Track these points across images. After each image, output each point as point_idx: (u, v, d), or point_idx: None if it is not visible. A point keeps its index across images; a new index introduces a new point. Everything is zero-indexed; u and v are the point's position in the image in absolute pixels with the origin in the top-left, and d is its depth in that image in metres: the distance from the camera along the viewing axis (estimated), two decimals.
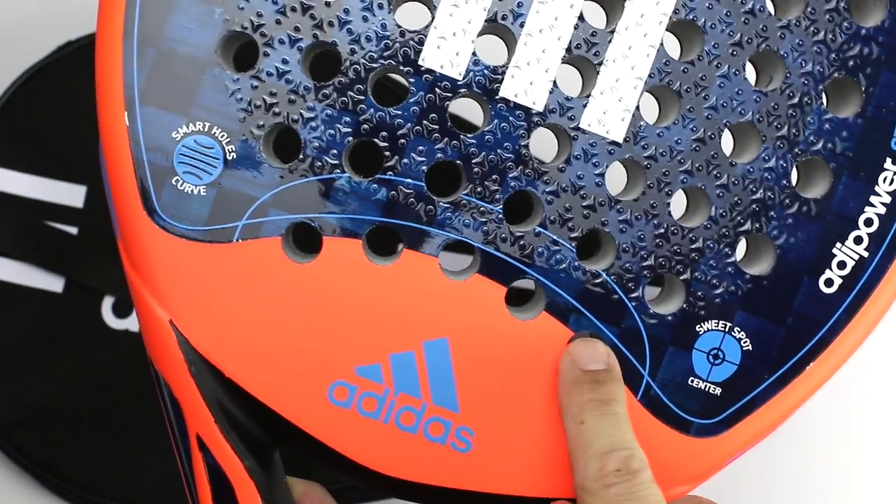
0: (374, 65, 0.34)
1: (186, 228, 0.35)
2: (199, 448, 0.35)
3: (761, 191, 0.35)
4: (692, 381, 0.36)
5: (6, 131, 0.56)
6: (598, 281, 0.36)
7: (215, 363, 0.35)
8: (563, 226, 0.35)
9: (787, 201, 0.36)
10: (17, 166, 0.56)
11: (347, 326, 0.35)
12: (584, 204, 0.35)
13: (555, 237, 0.35)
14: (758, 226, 0.36)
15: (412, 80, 0.35)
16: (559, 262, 0.36)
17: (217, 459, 0.35)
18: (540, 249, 0.36)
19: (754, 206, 0.35)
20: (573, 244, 0.36)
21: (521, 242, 0.36)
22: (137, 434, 0.55)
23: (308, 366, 0.35)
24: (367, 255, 0.35)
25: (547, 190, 0.35)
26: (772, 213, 0.35)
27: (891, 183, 0.35)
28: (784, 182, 0.35)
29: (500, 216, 0.35)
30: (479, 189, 0.35)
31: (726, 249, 0.36)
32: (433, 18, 0.35)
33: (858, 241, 0.35)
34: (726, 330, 0.36)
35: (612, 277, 0.36)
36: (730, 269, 0.36)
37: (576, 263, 0.36)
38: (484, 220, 0.35)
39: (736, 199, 0.35)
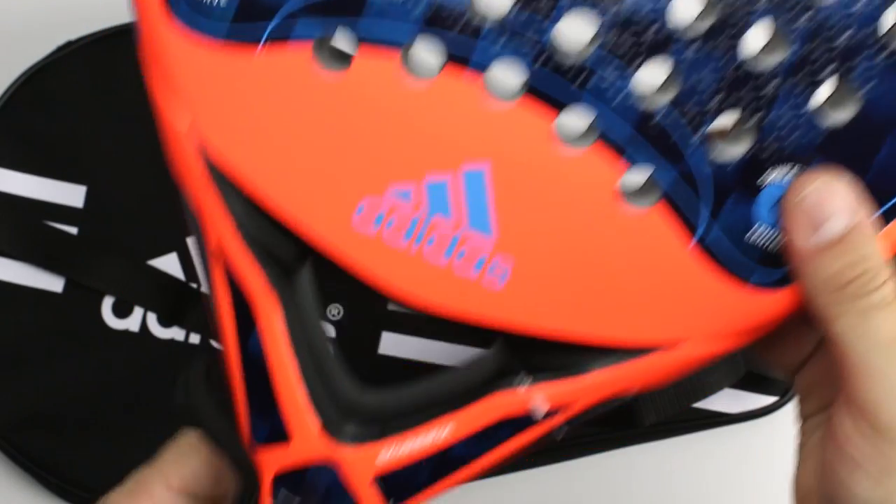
0: None
1: (210, 27, 0.32)
2: (219, 263, 0.33)
3: (847, 33, 0.31)
4: (755, 230, 0.32)
5: (6, 131, 0.56)
6: (659, 115, 0.32)
7: (235, 173, 0.33)
8: (623, 53, 0.32)
9: (877, 47, 0.31)
10: (17, 166, 0.56)
11: (379, 143, 0.32)
12: (646, 29, 0.32)
13: (612, 64, 0.32)
14: (841, 72, 0.32)
15: None
16: (618, 91, 0.32)
17: (238, 271, 0.33)
18: (597, 76, 0.32)
19: (838, 49, 0.32)
20: (634, 72, 0.32)
21: (575, 66, 0.32)
22: (137, 434, 0.55)
23: (335, 182, 0.32)
24: (406, 69, 0.32)
25: (606, 11, 0.31)
26: (858, 59, 0.32)
27: None
28: (874, 26, 0.31)
29: (552, 36, 0.32)
30: (530, 4, 0.31)
31: (804, 94, 0.32)
32: None
33: None
34: None
35: (676, 112, 0.32)
36: (806, 116, 0.32)
37: (637, 93, 0.32)
38: (535, 39, 0.32)
39: (818, 39, 0.31)
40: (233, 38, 0.32)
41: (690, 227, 0.32)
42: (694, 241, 0.32)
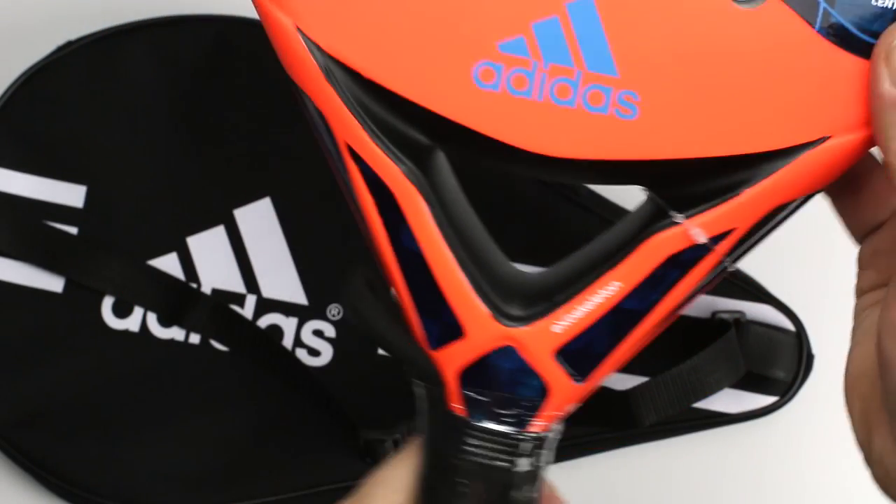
0: None
1: None
2: (352, 159, 0.33)
3: None
4: (875, 3, 0.31)
5: (6, 131, 0.56)
6: None
7: (350, 64, 0.33)
8: None
9: None
10: (17, 166, 0.56)
11: (476, 3, 0.32)
12: None
13: None
14: None
15: None
16: None
17: (372, 167, 0.33)
18: None
19: None
20: None
21: None
22: (137, 434, 0.55)
23: (447, 50, 0.32)
24: None
25: None
26: None
27: None
28: None
29: None
30: None
31: None
32: None
33: None
34: None
35: None
36: None
37: None
38: None
39: None
40: None
41: (810, 10, 0.31)
42: (816, 26, 0.31)
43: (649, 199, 0.33)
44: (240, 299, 0.56)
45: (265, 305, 0.56)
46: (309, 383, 0.55)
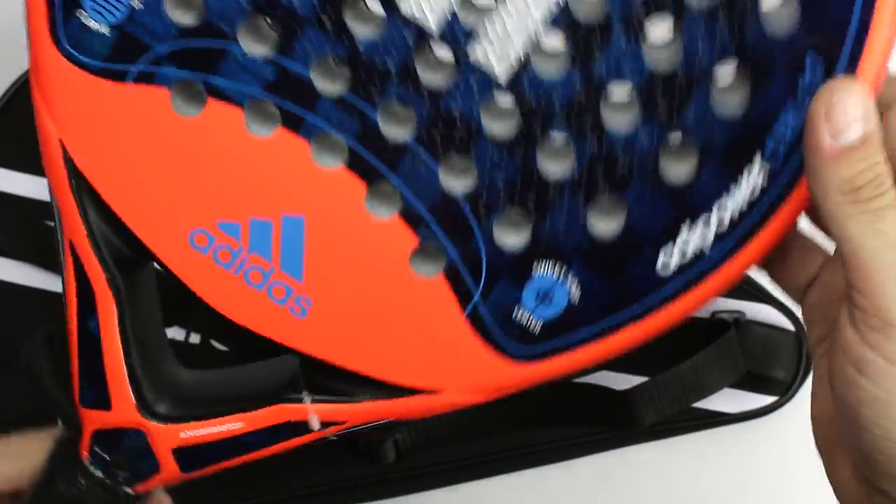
0: None
1: (86, 60, 0.38)
2: (70, 253, 0.39)
3: (626, 158, 0.36)
4: (517, 313, 0.37)
5: (6, 131, 0.56)
6: (453, 200, 0.37)
7: (93, 185, 0.39)
8: (433, 144, 0.37)
9: (650, 174, 0.36)
10: (17, 166, 0.56)
11: (216, 183, 0.38)
12: (456, 129, 0.37)
13: (422, 152, 0.37)
14: (615, 189, 0.36)
15: None
16: (421, 175, 0.37)
17: (84, 266, 0.39)
18: (406, 159, 0.37)
19: (616, 169, 0.36)
20: (438, 162, 0.37)
21: (390, 148, 0.37)
22: None
23: (176, 209, 0.39)
24: (246, 124, 0.38)
25: (424, 108, 0.37)
26: (632, 182, 0.36)
27: (751, 184, 0.35)
28: (651, 157, 0.36)
29: (375, 120, 0.37)
30: (360, 90, 0.37)
31: (580, 203, 0.37)
32: None
33: (705, 234, 0.36)
34: (560, 277, 0.37)
35: (468, 201, 0.37)
36: (579, 222, 0.37)
37: (437, 180, 0.37)
38: (359, 120, 0.37)
39: (601, 158, 0.36)
40: (103, 72, 0.38)
41: (464, 299, 0.38)
42: (465, 312, 0.38)
43: (297, 364, 0.40)
44: None
45: None
46: None
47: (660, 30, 0.35)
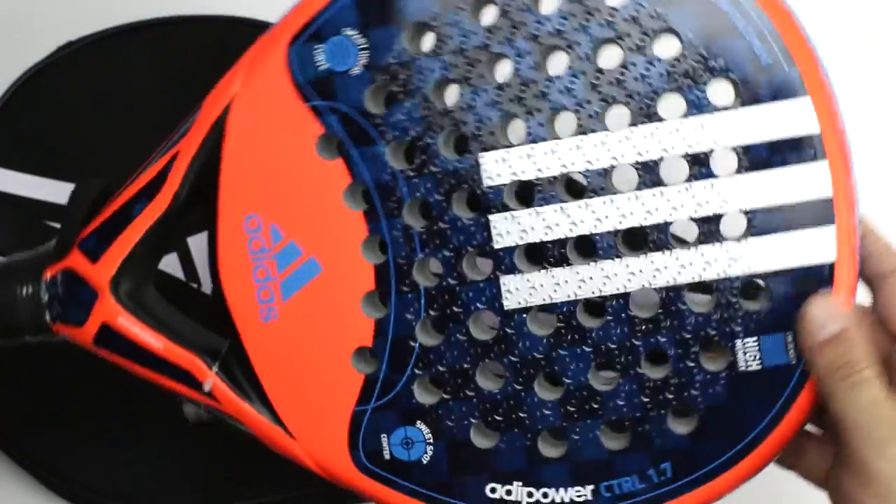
0: None
1: (297, 74, 0.43)
2: (170, 159, 0.45)
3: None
4: (384, 437, 0.44)
5: (6, 131, 0.56)
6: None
7: (225, 137, 0.45)
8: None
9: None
10: (17, 166, 0.56)
11: (296, 199, 0.44)
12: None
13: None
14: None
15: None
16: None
17: (170, 171, 0.45)
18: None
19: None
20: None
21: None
22: (137, 434, 0.55)
23: (256, 193, 0.44)
24: (345, 193, 0.44)
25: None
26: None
27: None
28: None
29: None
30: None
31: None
32: None
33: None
34: (428, 440, 0.44)
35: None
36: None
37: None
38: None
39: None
40: (299, 86, 0.43)
41: (363, 400, 0.44)
42: (356, 407, 0.44)
43: (228, 348, 0.46)
44: None
45: None
46: None
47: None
